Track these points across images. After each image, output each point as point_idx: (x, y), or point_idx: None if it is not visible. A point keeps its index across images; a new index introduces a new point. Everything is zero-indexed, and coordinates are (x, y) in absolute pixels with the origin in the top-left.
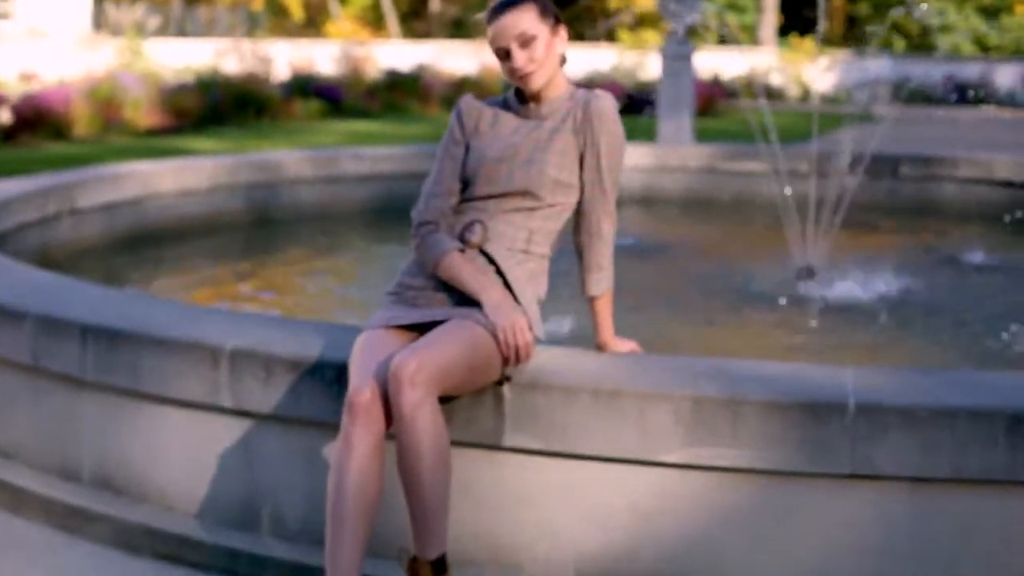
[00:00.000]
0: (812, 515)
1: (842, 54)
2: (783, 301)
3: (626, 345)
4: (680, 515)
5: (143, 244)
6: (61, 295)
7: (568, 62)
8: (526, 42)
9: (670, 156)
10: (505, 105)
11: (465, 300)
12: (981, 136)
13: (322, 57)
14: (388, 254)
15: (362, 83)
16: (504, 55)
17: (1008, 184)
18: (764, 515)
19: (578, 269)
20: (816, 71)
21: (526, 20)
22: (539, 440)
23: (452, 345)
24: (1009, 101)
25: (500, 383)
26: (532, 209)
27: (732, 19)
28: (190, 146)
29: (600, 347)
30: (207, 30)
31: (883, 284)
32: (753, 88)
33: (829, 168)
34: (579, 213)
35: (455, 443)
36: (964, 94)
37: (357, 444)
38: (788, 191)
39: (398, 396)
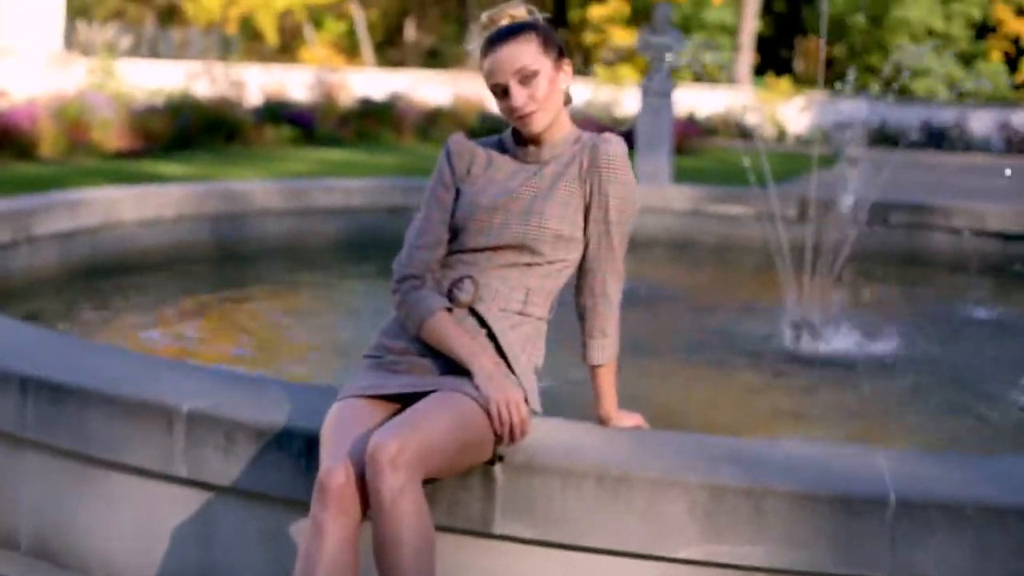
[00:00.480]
0: None
1: (818, 94)
2: (775, 358)
3: (631, 419)
4: None
5: (100, 276)
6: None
7: (572, 101)
8: (526, 78)
9: (653, 197)
10: (500, 146)
11: (453, 367)
12: (960, 182)
13: (295, 83)
14: (359, 293)
15: (335, 110)
16: (502, 93)
17: (1000, 236)
18: None
19: (579, 333)
20: (792, 111)
21: (527, 54)
22: (534, 529)
23: (439, 422)
24: (984, 147)
25: (491, 462)
26: (529, 265)
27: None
28: (157, 170)
29: (601, 420)
30: (180, 52)
31: (880, 340)
32: (729, 127)
33: (817, 214)
34: (582, 271)
35: (439, 528)
36: (940, 139)
37: (329, 534)
38: (780, 236)
39: (377, 481)
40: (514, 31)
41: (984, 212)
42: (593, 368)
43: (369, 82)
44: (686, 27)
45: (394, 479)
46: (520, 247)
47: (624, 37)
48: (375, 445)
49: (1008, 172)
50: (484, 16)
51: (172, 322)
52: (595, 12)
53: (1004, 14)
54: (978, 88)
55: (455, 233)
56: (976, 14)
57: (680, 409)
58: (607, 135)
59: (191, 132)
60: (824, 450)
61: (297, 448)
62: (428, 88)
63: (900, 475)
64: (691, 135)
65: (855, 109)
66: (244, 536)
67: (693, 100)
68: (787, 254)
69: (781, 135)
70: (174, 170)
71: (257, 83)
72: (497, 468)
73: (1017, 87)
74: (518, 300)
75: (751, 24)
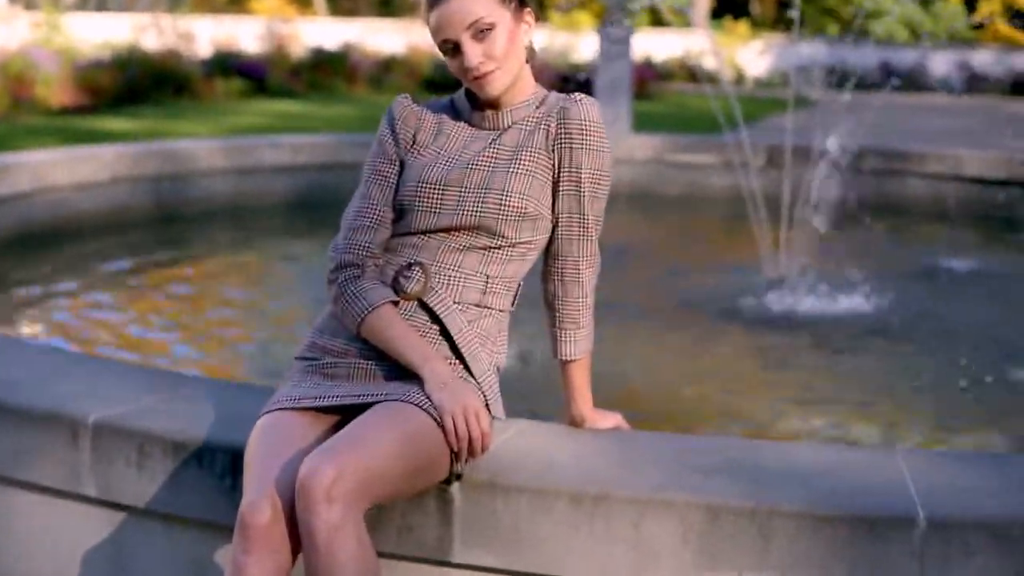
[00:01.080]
0: None
1: (776, 38)
2: (752, 319)
3: (608, 419)
4: None
5: (30, 244)
6: None
7: (536, 56)
8: (481, 32)
9: (615, 147)
10: (452, 110)
11: (402, 370)
12: (922, 123)
13: (246, 35)
14: (307, 256)
15: (287, 62)
16: (452, 50)
17: (978, 181)
18: None
19: (546, 325)
20: (750, 55)
21: (481, 3)
22: (499, 556)
23: (383, 442)
24: (943, 87)
25: (448, 481)
26: (489, 249)
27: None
28: (104, 126)
29: (575, 421)
30: (129, 5)
31: (860, 295)
32: (686, 71)
33: (784, 160)
34: (550, 254)
35: (388, 556)
36: (900, 80)
37: None
38: (750, 185)
39: (309, 517)
40: None
41: (961, 157)
42: (564, 364)
43: (321, 32)
44: None
45: (330, 514)
46: (477, 228)
47: None
48: (306, 473)
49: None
50: None
51: (99, 298)
52: None
53: None
54: (935, 31)
55: (400, 213)
56: None
57: (652, 384)
58: (577, 95)
59: (139, 86)
60: (836, 455)
61: (220, 466)
62: (381, 37)
63: (927, 485)
64: (648, 79)
65: (813, 51)
66: (164, 563)
67: (649, 44)
68: (758, 204)
69: (740, 79)
70: (121, 125)
71: (208, 35)
72: (455, 488)
73: (975, 27)
74: (476, 289)
75: None
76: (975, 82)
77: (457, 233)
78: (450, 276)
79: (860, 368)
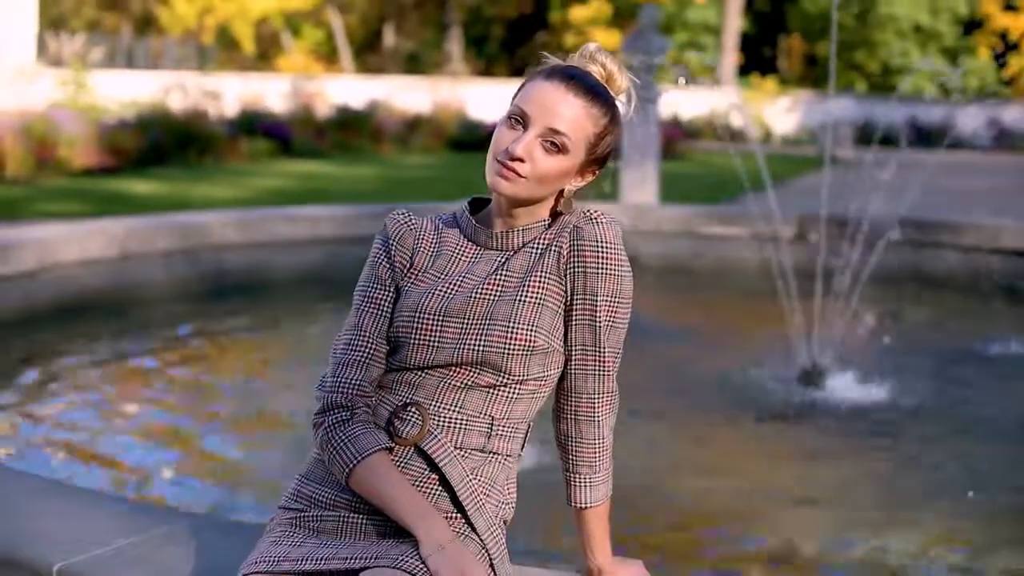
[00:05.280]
0: None
1: (803, 94)
2: (783, 412)
3: (629, 570)
4: None
5: (31, 326)
6: None
7: (569, 207)
8: (549, 142)
9: (643, 218)
10: (456, 226)
11: (397, 525)
12: (956, 182)
13: (273, 92)
14: (325, 337)
15: (312, 121)
16: (516, 122)
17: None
18: None
19: (560, 468)
20: (777, 111)
21: (578, 126)
22: None
23: None
24: (971, 144)
25: None
26: (494, 387)
27: (693, 59)
28: (127, 189)
29: (592, 574)
30: (156, 62)
31: (904, 386)
32: (714, 129)
33: (816, 231)
34: (562, 391)
35: None
36: (928, 137)
37: None
38: (779, 260)
39: None
40: (595, 94)
41: (998, 229)
42: (579, 511)
43: (347, 89)
44: (669, 27)
45: None
46: (481, 364)
47: (606, 39)
48: None
49: None
50: (592, 46)
51: (103, 380)
52: (576, 14)
53: (991, 8)
54: (965, 85)
55: (395, 346)
56: (963, 9)
57: (674, 489)
58: (593, 212)
59: (163, 147)
60: None
61: None
62: (407, 95)
63: None
64: (675, 138)
65: (841, 108)
66: None
67: (676, 102)
68: (789, 282)
69: (767, 136)
70: (145, 188)
71: (235, 92)
72: None
73: (1006, 83)
74: (480, 433)
75: (735, 23)
76: (1004, 138)
77: (458, 369)
78: (450, 418)
79: (896, 469)
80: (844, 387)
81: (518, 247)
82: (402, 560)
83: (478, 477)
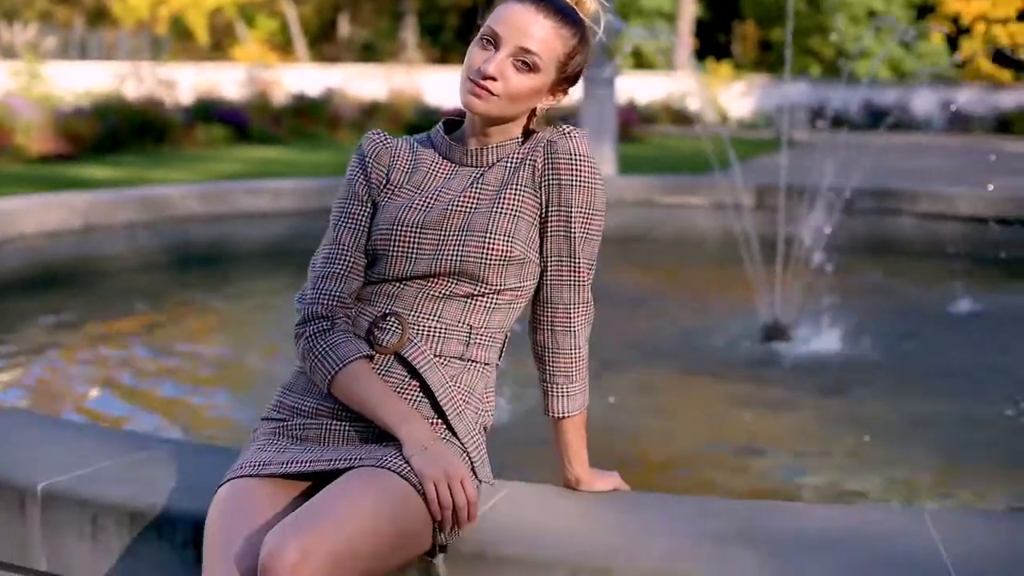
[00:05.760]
0: None
1: (758, 79)
2: (749, 365)
3: (606, 481)
4: None
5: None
6: None
7: (540, 124)
8: (521, 62)
9: None
10: (430, 145)
11: (379, 431)
12: (909, 163)
13: (228, 81)
14: (286, 305)
15: (269, 108)
16: (488, 42)
17: (973, 220)
18: None
19: (538, 379)
20: (732, 96)
21: (548, 46)
22: None
23: (356, 516)
24: (926, 126)
25: (431, 555)
26: (472, 296)
27: (649, 44)
28: (83, 174)
29: (569, 484)
30: (110, 54)
31: (861, 338)
32: (670, 113)
33: (777, 201)
34: (538, 302)
35: None
36: (882, 119)
37: None
38: (741, 226)
39: None
40: (565, 15)
41: (954, 196)
42: (557, 421)
43: (303, 78)
44: (623, 14)
45: None
46: (458, 274)
47: None
48: (270, 551)
49: (993, 157)
50: None
51: (68, 344)
52: None
53: None
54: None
55: (373, 259)
56: None
57: (650, 435)
58: (567, 128)
59: (119, 134)
60: (858, 518)
61: (182, 536)
62: (363, 83)
63: (959, 552)
64: (632, 122)
65: (796, 92)
66: None
67: (632, 87)
68: (752, 245)
69: (723, 120)
70: (102, 173)
71: (189, 83)
72: (439, 561)
73: (958, 66)
74: (458, 341)
75: (689, 9)
76: (958, 120)
77: (436, 280)
78: (430, 327)
79: (865, 413)
80: (804, 342)
81: (493, 162)
82: (386, 460)
83: (458, 384)
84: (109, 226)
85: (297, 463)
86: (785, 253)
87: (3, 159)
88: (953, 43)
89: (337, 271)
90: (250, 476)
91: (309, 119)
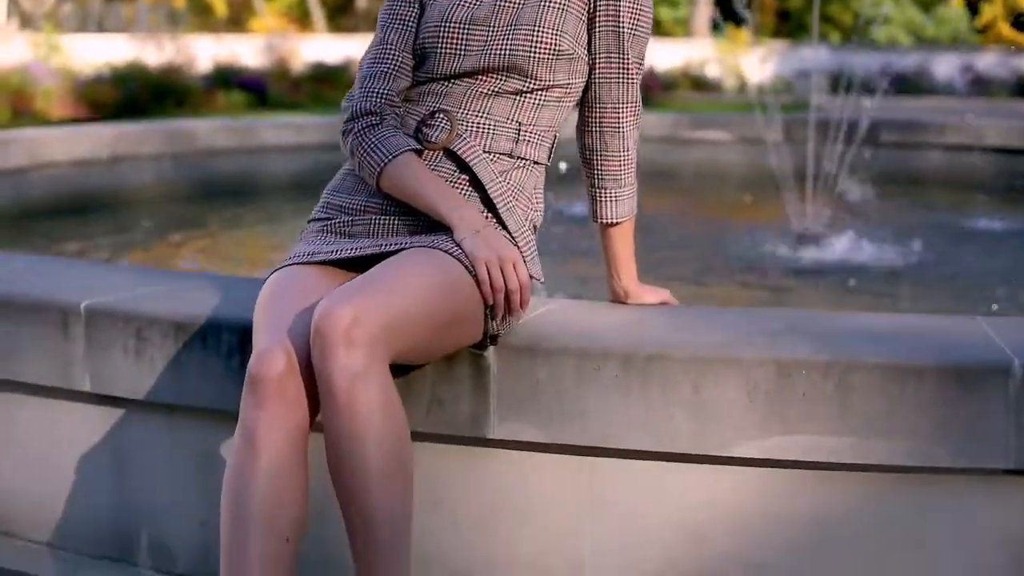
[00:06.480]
0: (958, 527)
1: (778, 45)
2: (780, 265)
3: (656, 295)
4: (757, 536)
5: (24, 219)
6: None
7: None
8: None
9: None
10: None
11: (429, 223)
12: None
13: (247, 52)
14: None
15: (288, 76)
16: None
17: (1000, 151)
18: (882, 532)
19: (585, 186)
20: (752, 62)
21: None
22: (540, 429)
23: (409, 285)
24: (947, 90)
25: (482, 346)
26: (520, 92)
27: (666, 13)
28: None
29: (618, 297)
30: (128, 27)
31: (889, 249)
32: (690, 80)
33: (803, 135)
34: (586, 103)
35: (416, 436)
36: (903, 83)
37: (265, 441)
38: (773, 156)
39: (327, 363)
40: None
41: (980, 128)
42: (605, 228)
43: (321, 48)
44: None
45: (350, 359)
46: (507, 69)
47: None
48: (322, 315)
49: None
50: None
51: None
52: None
53: None
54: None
55: (422, 57)
56: None
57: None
58: None
59: (139, 100)
60: (915, 320)
61: (227, 345)
62: None
63: (1016, 340)
64: (653, 89)
65: (816, 57)
66: (167, 459)
67: (650, 55)
68: (784, 170)
69: (743, 86)
70: None
71: (208, 53)
72: (490, 353)
73: (979, 31)
74: (507, 138)
75: None
76: (979, 84)
77: (485, 76)
78: (478, 124)
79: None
80: (834, 250)
81: None
82: (438, 242)
83: (507, 180)
84: (135, 157)
85: (348, 250)
86: (815, 176)
87: (22, 123)
88: (974, 8)
89: (385, 70)
90: (299, 264)
91: (327, 85)
